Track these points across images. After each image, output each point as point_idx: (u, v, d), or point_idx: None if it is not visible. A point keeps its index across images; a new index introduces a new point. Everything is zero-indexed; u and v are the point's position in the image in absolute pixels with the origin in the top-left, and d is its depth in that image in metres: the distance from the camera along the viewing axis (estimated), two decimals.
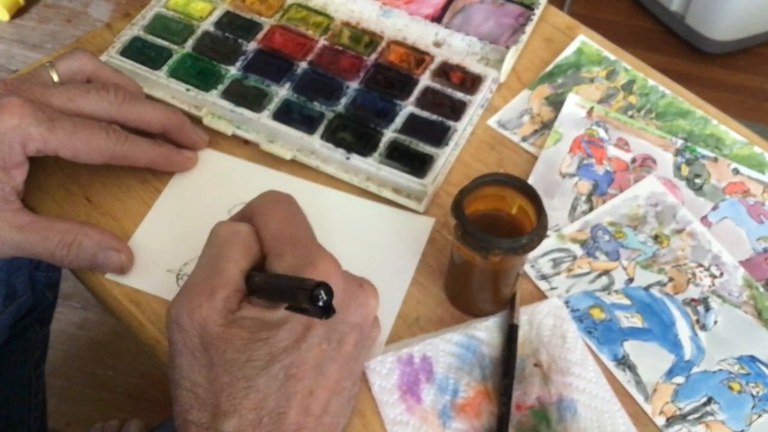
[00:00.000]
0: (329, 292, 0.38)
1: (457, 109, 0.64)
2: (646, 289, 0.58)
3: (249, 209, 0.49)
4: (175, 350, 0.43)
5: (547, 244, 0.59)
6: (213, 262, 0.45)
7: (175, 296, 0.44)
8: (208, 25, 0.68)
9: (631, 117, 0.66)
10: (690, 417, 0.52)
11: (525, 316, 0.55)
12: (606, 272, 0.58)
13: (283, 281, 0.42)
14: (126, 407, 1.30)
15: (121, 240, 0.57)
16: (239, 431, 0.41)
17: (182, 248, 0.58)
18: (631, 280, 0.58)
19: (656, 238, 0.60)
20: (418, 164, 0.61)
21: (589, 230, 0.60)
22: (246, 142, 0.63)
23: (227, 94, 0.64)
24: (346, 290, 0.44)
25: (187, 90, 0.64)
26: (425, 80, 0.66)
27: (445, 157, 0.61)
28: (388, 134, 0.62)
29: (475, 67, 0.67)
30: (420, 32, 0.69)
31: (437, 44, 0.68)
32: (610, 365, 0.54)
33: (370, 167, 0.60)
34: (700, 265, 0.59)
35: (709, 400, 0.53)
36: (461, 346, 0.54)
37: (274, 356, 0.42)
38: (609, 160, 0.64)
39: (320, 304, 0.38)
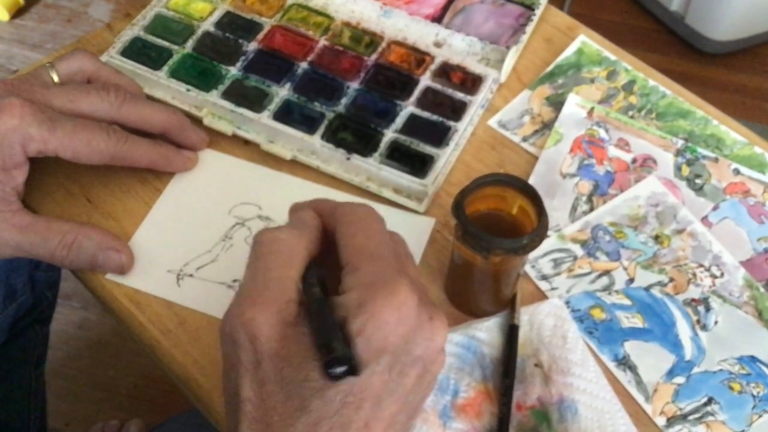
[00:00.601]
0: (348, 372, 0.37)
1: (457, 110, 0.64)
2: (647, 289, 0.58)
3: (334, 212, 0.46)
4: (229, 364, 0.42)
5: (547, 245, 0.59)
6: (259, 273, 0.42)
7: (227, 309, 0.42)
8: (208, 26, 0.68)
9: (632, 117, 0.66)
10: (690, 417, 0.52)
11: (525, 316, 0.55)
12: (606, 272, 0.58)
13: (317, 318, 0.40)
14: (126, 407, 1.30)
15: (122, 240, 0.57)
16: None
17: (183, 248, 0.58)
18: (631, 280, 0.58)
19: (657, 238, 0.60)
20: (419, 164, 0.61)
21: (590, 230, 0.60)
22: (246, 142, 0.63)
23: (227, 95, 0.64)
24: (416, 322, 0.41)
25: (188, 90, 0.64)
26: (426, 80, 0.66)
27: (445, 158, 0.61)
28: (389, 134, 0.62)
29: (475, 67, 0.67)
30: (420, 32, 0.69)
31: (438, 44, 0.68)
32: (611, 365, 0.54)
33: (371, 167, 0.60)
34: (701, 266, 0.59)
35: (710, 401, 0.53)
36: (462, 346, 0.54)
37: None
38: (609, 161, 0.64)
39: (331, 373, 0.37)
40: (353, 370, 0.38)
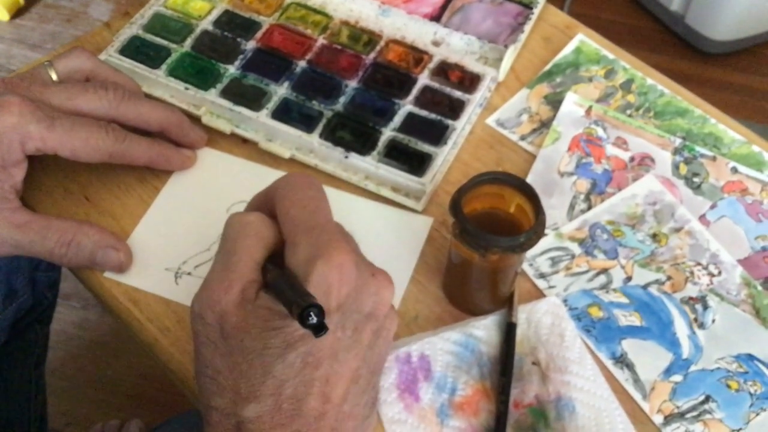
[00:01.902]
0: (319, 314, 0.38)
1: (455, 108, 0.64)
2: (645, 287, 0.58)
3: (270, 193, 0.48)
4: (199, 341, 0.44)
5: (545, 243, 0.59)
6: (227, 255, 0.45)
7: (197, 291, 0.45)
8: (207, 24, 0.68)
9: (630, 116, 0.66)
10: (688, 415, 0.52)
11: (523, 314, 0.55)
12: (604, 271, 0.58)
13: (284, 288, 0.42)
14: (126, 407, 1.30)
15: (120, 239, 0.57)
16: (259, 416, 0.42)
17: (181, 247, 0.58)
18: (629, 278, 0.58)
19: (654, 236, 0.60)
20: (417, 163, 0.61)
21: (588, 229, 0.60)
22: (245, 140, 0.64)
23: (226, 93, 0.64)
24: (359, 279, 0.44)
25: (186, 89, 0.64)
26: (424, 79, 0.66)
27: (443, 156, 0.61)
28: (387, 133, 0.62)
29: (473, 66, 0.67)
30: (419, 31, 0.69)
31: (436, 43, 0.68)
32: (608, 363, 0.54)
33: (369, 166, 0.60)
34: (699, 264, 0.59)
35: (707, 399, 0.53)
36: (459, 344, 0.54)
37: (289, 344, 0.42)
38: (607, 159, 0.64)
39: (309, 323, 0.38)
40: (322, 323, 0.39)
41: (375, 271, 0.45)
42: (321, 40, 0.68)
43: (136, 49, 0.66)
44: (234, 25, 0.68)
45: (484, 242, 0.48)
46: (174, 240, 0.58)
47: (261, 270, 0.45)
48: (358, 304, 0.44)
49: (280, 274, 0.44)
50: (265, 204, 0.48)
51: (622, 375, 0.54)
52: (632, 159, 0.64)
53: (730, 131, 0.66)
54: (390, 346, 0.49)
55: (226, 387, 0.43)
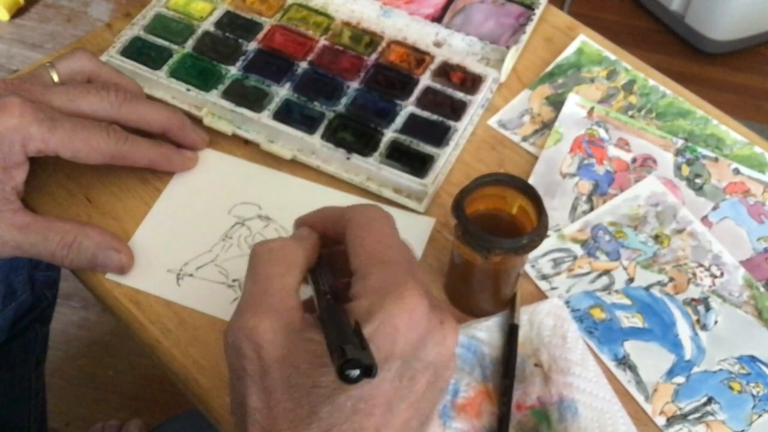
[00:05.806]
0: (362, 372, 0.35)
1: (457, 109, 0.64)
2: (647, 289, 0.58)
3: (344, 218, 0.45)
4: (235, 376, 0.41)
5: (547, 244, 0.59)
6: (257, 284, 0.42)
7: (230, 321, 0.41)
8: (208, 25, 0.68)
9: (632, 117, 0.66)
10: (690, 417, 0.52)
11: (525, 316, 0.55)
12: (606, 272, 0.58)
13: (330, 325, 0.39)
14: (126, 407, 1.30)
15: (121, 240, 0.57)
16: None
17: (182, 248, 0.58)
18: (631, 280, 0.58)
19: (657, 238, 0.60)
20: (419, 164, 0.61)
21: (590, 230, 0.60)
22: (246, 142, 0.63)
23: (227, 94, 0.64)
24: (427, 327, 0.41)
25: (188, 90, 0.64)
26: (425, 80, 0.66)
27: (445, 157, 0.61)
28: (389, 134, 0.62)
29: (475, 67, 0.67)
30: (420, 32, 0.69)
31: (437, 44, 0.68)
32: (611, 365, 0.54)
33: (371, 167, 0.60)
34: (701, 265, 0.59)
35: (710, 400, 0.53)
36: (462, 346, 0.54)
37: (341, 385, 0.38)
38: (609, 160, 0.64)
39: (347, 376, 0.35)
40: (369, 372, 0.36)
41: (443, 318, 0.42)
42: (322, 41, 0.68)
43: (137, 50, 0.66)
44: (235, 26, 0.68)
45: (487, 244, 0.48)
46: (176, 241, 0.58)
47: (314, 295, 0.42)
48: (420, 353, 0.40)
49: (330, 305, 0.41)
50: (333, 227, 0.45)
51: (624, 376, 0.54)
52: (634, 160, 0.64)
53: (732, 132, 0.66)
54: (442, 396, 0.45)
55: (264, 427, 0.39)
